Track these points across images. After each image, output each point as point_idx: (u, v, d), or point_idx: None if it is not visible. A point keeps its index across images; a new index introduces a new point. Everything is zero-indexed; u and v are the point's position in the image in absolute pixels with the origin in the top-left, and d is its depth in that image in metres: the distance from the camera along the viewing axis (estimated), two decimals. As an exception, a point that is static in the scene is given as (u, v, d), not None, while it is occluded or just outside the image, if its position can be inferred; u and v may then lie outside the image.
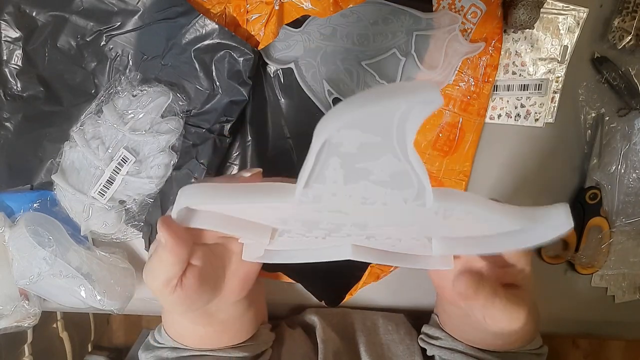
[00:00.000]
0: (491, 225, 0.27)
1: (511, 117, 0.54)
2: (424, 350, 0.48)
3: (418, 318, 0.59)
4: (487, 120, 0.53)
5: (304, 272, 0.53)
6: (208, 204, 0.27)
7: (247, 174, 0.31)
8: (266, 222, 0.30)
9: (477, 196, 0.25)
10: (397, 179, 0.23)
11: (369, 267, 0.51)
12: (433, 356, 0.46)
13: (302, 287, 0.55)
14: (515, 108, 0.54)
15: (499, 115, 0.54)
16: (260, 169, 0.31)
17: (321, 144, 0.21)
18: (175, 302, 0.32)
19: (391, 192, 0.24)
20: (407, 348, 0.49)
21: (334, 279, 0.54)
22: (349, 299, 0.53)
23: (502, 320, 0.32)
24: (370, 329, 0.52)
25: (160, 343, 0.42)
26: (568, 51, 0.53)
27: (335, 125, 0.20)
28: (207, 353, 0.41)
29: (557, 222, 0.25)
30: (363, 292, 0.53)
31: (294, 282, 0.54)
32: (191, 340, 0.41)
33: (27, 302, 0.52)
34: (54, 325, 0.92)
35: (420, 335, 0.48)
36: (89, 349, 1.09)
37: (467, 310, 0.35)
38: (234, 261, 0.35)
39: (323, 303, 0.53)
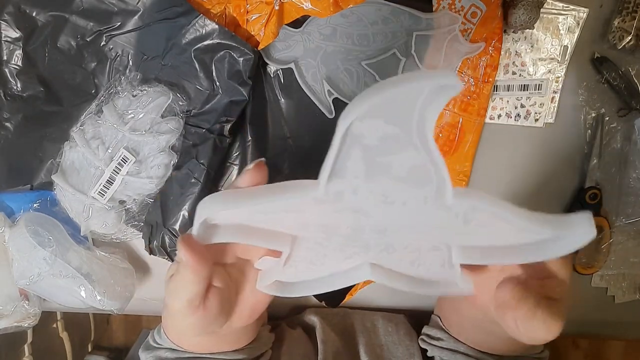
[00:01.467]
0: (512, 233, 0.27)
1: (511, 117, 0.54)
2: (424, 351, 0.48)
3: (418, 319, 0.59)
4: (487, 120, 0.53)
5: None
6: (229, 210, 0.26)
7: (250, 166, 0.30)
8: (286, 230, 0.29)
9: (497, 198, 0.24)
10: (416, 174, 0.23)
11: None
12: (433, 357, 0.46)
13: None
14: (515, 108, 0.54)
15: (499, 116, 0.54)
16: (263, 159, 0.30)
17: (344, 130, 0.21)
18: (195, 323, 0.32)
19: (411, 190, 0.24)
20: (406, 349, 0.49)
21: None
22: (349, 299, 0.53)
23: (539, 332, 0.31)
24: (370, 330, 0.52)
25: (159, 344, 0.42)
26: (568, 51, 0.53)
27: (358, 111, 0.21)
28: (206, 355, 0.41)
29: (581, 230, 0.25)
30: (363, 292, 0.53)
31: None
32: (189, 345, 0.41)
33: (27, 302, 0.52)
34: (54, 325, 0.92)
35: (421, 336, 0.48)
36: (89, 349, 1.09)
37: (496, 318, 0.33)
38: (247, 288, 0.35)
39: (323, 304, 0.53)
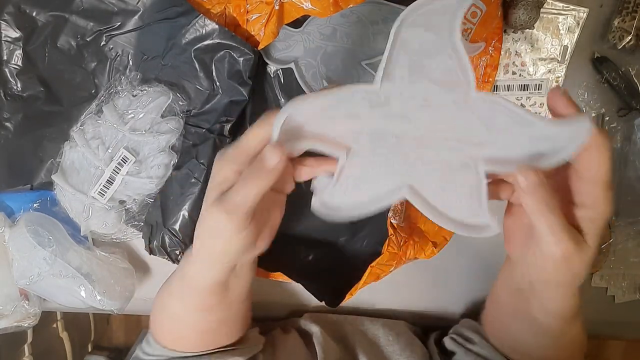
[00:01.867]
0: (530, 140, 0.30)
1: (511, 117, 0.54)
2: (451, 354, 0.48)
3: (419, 319, 0.59)
4: (487, 120, 0.53)
5: (304, 272, 0.53)
6: (307, 107, 0.31)
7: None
8: (344, 138, 0.33)
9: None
10: (448, 76, 0.30)
11: (369, 267, 0.51)
12: (452, 353, 0.46)
13: (302, 287, 0.55)
14: (515, 108, 0.54)
15: (499, 115, 0.54)
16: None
17: (394, 35, 0.29)
18: (240, 243, 0.34)
19: (444, 92, 0.31)
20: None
21: (334, 278, 0.53)
22: (349, 299, 0.53)
23: (544, 238, 0.31)
24: (371, 340, 0.52)
25: (150, 355, 0.42)
26: (568, 51, 0.53)
27: (404, 17, 0.29)
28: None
29: (583, 126, 0.29)
30: (363, 293, 0.53)
31: (293, 282, 0.53)
32: (188, 340, 0.41)
33: (27, 302, 0.52)
34: (54, 325, 0.92)
35: (451, 335, 0.48)
36: (89, 349, 1.09)
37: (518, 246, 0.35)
38: (273, 207, 0.37)
39: (323, 303, 0.53)
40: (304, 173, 0.35)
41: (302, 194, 0.53)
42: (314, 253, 0.55)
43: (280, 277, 0.53)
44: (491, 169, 0.32)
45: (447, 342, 0.48)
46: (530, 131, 0.30)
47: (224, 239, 0.34)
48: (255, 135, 0.33)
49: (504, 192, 0.34)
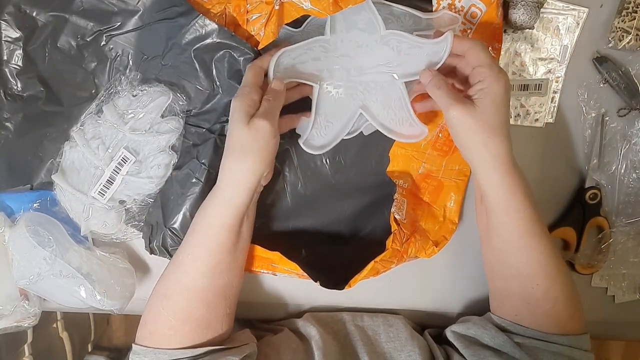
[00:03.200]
0: (425, 56, 0.46)
1: (511, 117, 0.54)
2: (437, 350, 0.49)
3: (418, 318, 0.59)
4: (487, 120, 0.53)
5: (305, 264, 0.53)
6: (290, 55, 0.47)
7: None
8: (313, 75, 0.48)
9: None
10: (370, 25, 0.47)
11: (372, 262, 0.51)
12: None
13: (301, 288, 0.55)
14: (515, 108, 0.54)
15: (499, 115, 0.54)
16: None
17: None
18: (275, 146, 0.44)
19: (368, 36, 0.47)
20: (408, 356, 0.49)
21: (335, 272, 0.53)
22: (347, 289, 0.53)
23: (443, 108, 0.43)
24: (371, 337, 0.52)
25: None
26: (568, 51, 0.53)
27: None
28: None
29: (448, 39, 0.44)
30: (363, 292, 0.53)
31: (291, 283, 0.53)
32: (185, 326, 0.43)
33: (27, 302, 0.52)
34: (54, 325, 0.92)
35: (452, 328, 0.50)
36: (89, 349, 1.09)
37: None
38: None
39: (318, 284, 0.52)
40: (284, 124, 0.49)
41: (304, 195, 0.53)
42: (316, 248, 0.55)
43: (278, 260, 0.52)
44: (407, 80, 0.48)
45: (448, 333, 0.50)
46: (424, 50, 0.46)
47: (264, 140, 0.42)
48: (253, 76, 0.45)
49: (434, 104, 0.48)
